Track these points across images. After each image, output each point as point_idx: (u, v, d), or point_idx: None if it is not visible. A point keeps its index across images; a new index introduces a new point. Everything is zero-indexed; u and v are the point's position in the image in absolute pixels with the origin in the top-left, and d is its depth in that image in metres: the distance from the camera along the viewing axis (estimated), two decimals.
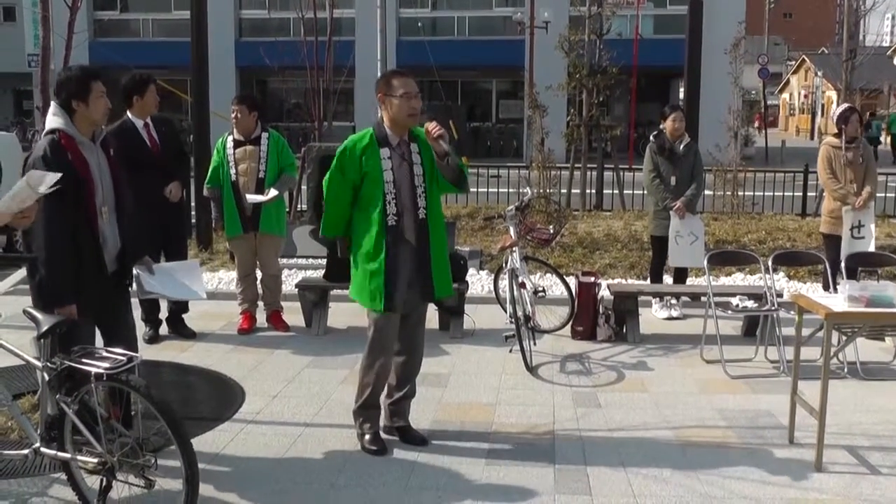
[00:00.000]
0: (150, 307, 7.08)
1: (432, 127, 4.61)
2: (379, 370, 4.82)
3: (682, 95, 16.80)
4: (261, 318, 7.57)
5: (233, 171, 7.17)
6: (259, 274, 7.54)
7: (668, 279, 8.53)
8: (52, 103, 4.39)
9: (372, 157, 4.66)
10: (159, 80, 7.41)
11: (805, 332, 5.06)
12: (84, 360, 3.67)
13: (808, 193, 14.89)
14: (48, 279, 4.25)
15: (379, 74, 5.94)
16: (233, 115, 7.18)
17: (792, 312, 5.65)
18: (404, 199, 4.68)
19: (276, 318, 7.52)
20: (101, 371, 3.59)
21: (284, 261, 8.04)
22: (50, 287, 4.26)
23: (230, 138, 7.27)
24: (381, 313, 4.71)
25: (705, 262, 6.94)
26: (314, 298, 7.47)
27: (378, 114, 4.81)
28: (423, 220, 4.73)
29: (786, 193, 15.16)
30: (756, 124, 13.85)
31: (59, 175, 3.76)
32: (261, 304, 7.58)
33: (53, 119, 4.32)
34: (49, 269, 4.24)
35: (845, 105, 7.96)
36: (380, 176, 4.65)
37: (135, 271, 4.67)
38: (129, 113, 6.73)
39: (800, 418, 4.97)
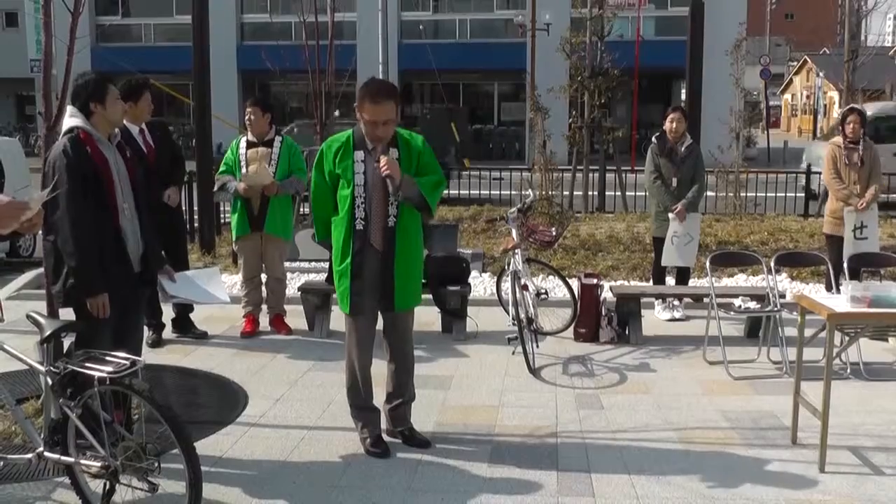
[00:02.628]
0: (153, 311, 7.07)
1: (382, 164, 4.46)
2: (359, 370, 4.83)
3: (683, 97, 16.79)
4: (263, 321, 7.57)
5: (244, 171, 7.20)
6: (264, 277, 7.56)
7: (670, 281, 8.53)
8: (69, 107, 4.48)
9: (345, 158, 4.63)
10: (161, 84, 7.45)
11: (808, 332, 5.05)
12: (87, 365, 3.68)
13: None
14: (77, 269, 4.32)
15: (380, 77, 5.92)
16: (247, 117, 7.26)
17: (794, 313, 5.64)
18: (374, 204, 4.62)
19: (278, 322, 7.53)
20: (104, 375, 3.60)
21: (287, 264, 8.06)
22: (79, 277, 4.32)
23: (244, 139, 7.33)
24: (348, 315, 4.73)
25: (707, 264, 6.94)
26: (317, 302, 7.48)
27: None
28: (391, 230, 4.66)
29: (788, 194, 15.14)
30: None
31: (51, 187, 3.83)
32: (264, 307, 7.58)
33: (71, 119, 4.44)
34: (77, 259, 4.30)
35: (849, 106, 7.95)
36: (350, 178, 4.61)
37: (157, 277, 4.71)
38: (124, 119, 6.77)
39: (803, 419, 4.97)
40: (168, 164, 6.94)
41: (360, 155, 4.64)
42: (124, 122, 6.67)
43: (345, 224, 4.66)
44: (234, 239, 7.60)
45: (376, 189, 4.62)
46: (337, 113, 13.58)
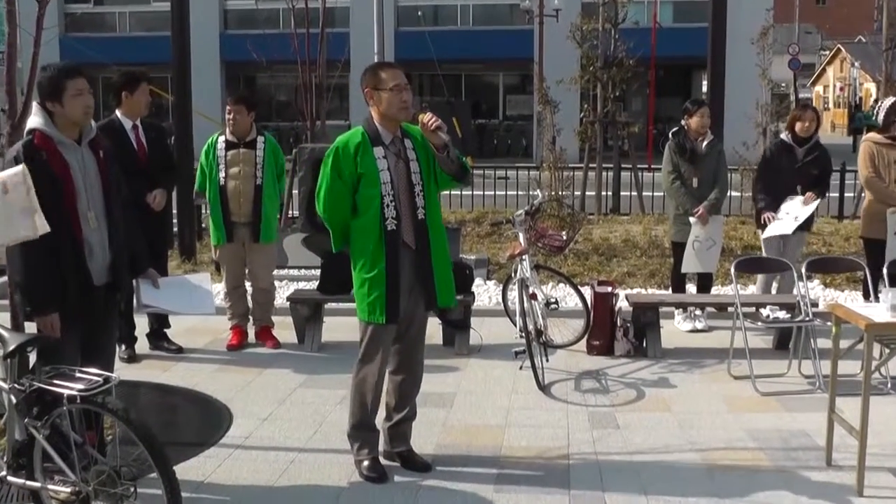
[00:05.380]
0: (127, 324, 7.06)
1: (428, 118, 4.60)
2: (375, 385, 4.81)
3: (705, 89, 16.81)
4: (251, 333, 7.56)
5: (222, 174, 7.21)
6: (249, 286, 7.55)
7: (691, 288, 8.52)
8: (34, 104, 4.46)
9: (366, 156, 4.65)
10: None
11: (843, 344, 5.03)
12: (56, 382, 3.67)
13: (846, 194, 14.87)
14: (25, 287, 4.31)
15: None
16: (229, 116, 7.23)
17: (828, 323, 5.63)
18: (402, 200, 4.68)
19: (265, 334, 7.51)
20: (74, 393, 3.59)
21: (275, 272, 8.05)
22: (27, 295, 4.31)
23: (221, 139, 7.30)
24: (378, 325, 4.70)
25: (732, 270, 6.92)
26: (307, 312, 7.47)
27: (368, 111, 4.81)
28: (422, 222, 4.73)
29: None
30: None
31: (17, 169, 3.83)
32: (251, 317, 7.58)
33: (32, 119, 4.42)
34: (25, 276, 4.28)
35: (893, 99, 7.92)
36: (376, 176, 4.64)
37: (135, 282, 4.70)
38: (117, 112, 6.84)
39: (838, 438, 4.95)
40: (159, 168, 6.97)
41: (379, 151, 4.68)
42: (118, 114, 6.77)
43: (374, 226, 4.66)
44: (213, 245, 7.60)
45: (401, 184, 4.68)
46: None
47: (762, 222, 7.67)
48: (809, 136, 7.67)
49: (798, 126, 7.66)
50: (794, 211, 7.51)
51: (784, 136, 7.88)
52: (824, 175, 7.83)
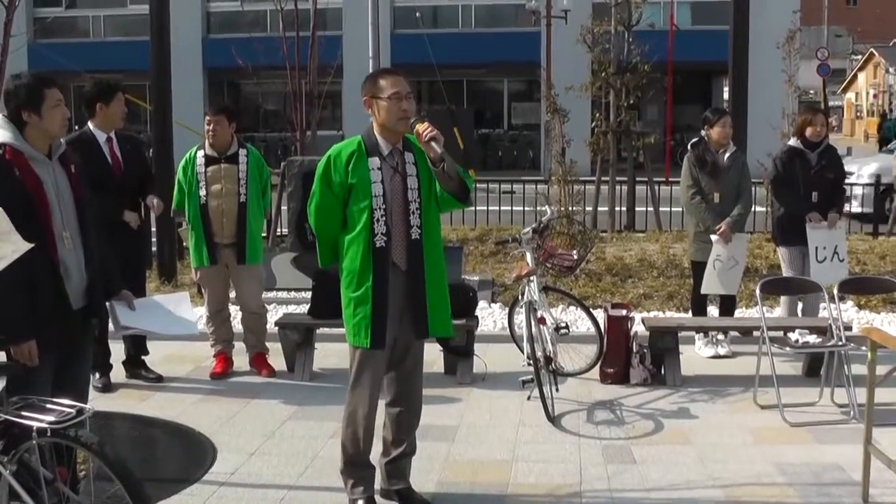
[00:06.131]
0: (101, 350, 7.06)
1: (423, 129, 4.61)
2: (365, 417, 4.81)
3: (726, 96, 16.87)
4: (238, 360, 7.56)
5: (202, 191, 7.22)
6: (232, 309, 7.55)
7: (713, 311, 8.52)
8: (0, 115, 4.45)
9: (359, 166, 4.68)
10: None
11: (880, 370, 5.04)
12: (24, 413, 3.67)
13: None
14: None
15: None
16: (209, 129, 7.25)
17: (863, 348, 5.64)
18: (395, 216, 4.69)
19: (259, 361, 7.51)
20: (44, 425, 3.59)
21: (263, 294, 8.07)
22: (1, 323, 4.29)
23: (200, 153, 7.32)
24: (365, 349, 4.72)
25: (757, 291, 6.92)
26: (298, 338, 7.46)
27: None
28: (417, 242, 4.73)
29: (853, 209, 15.15)
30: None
31: None
32: (240, 345, 7.58)
33: (0, 133, 4.37)
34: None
35: None
36: (368, 188, 4.66)
37: (108, 305, 4.71)
38: (90, 124, 6.88)
39: (875, 472, 4.95)
40: (135, 182, 7.03)
41: (375, 162, 4.70)
42: (91, 126, 6.80)
43: (362, 242, 4.68)
44: (193, 268, 7.61)
45: (396, 199, 4.70)
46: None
47: (807, 220, 7.62)
48: (820, 139, 7.76)
49: (809, 131, 7.73)
50: (829, 244, 7.50)
51: (793, 141, 7.92)
52: (840, 180, 7.88)
